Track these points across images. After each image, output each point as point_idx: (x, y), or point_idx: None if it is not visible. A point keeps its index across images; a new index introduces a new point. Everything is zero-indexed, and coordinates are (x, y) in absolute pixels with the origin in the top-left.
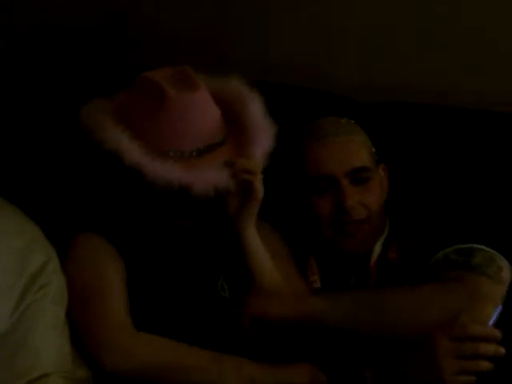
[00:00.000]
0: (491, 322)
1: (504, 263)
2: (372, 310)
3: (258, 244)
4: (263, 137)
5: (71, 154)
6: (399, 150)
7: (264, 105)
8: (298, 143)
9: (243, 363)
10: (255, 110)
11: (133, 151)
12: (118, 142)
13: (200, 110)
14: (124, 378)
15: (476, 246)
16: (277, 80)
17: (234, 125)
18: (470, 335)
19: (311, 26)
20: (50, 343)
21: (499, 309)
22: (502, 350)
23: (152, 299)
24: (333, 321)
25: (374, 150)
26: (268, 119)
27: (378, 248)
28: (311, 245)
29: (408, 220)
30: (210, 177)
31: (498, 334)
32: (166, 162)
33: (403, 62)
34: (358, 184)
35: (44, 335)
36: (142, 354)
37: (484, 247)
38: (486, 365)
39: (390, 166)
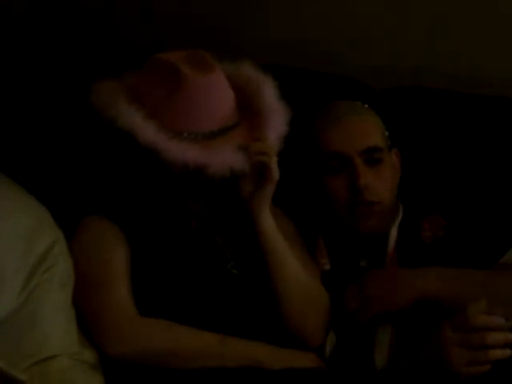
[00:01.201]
0: None
1: None
2: (487, 290)
3: (273, 227)
4: (277, 120)
5: (80, 134)
6: (412, 136)
7: (277, 88)
8: (311, 125)
9: (248, 346)
10: (269, 93)
11: (147, 130)
12: (132, 120)
13: (215, 91)
14: (127, 362)
15: None
16: (288, 64)
17: (247, 109)
18: (472, 326)
19: (323, 11)
20: (56, 325)
21: None
22: None
23: (158, 283)
24: (448, 299)
25: (387, 133)
26: (282, 102)
27: (394, 232)
28: (321, 227)
29: (439, 201)
30: (225, 157)
31: (503, 322)
32: (182, 141)
33: (415, 47)
34: (371, 165)
35: (51, 317)
36: (144, 339)
37: None
38: (497, 353)
39: (402, 151)
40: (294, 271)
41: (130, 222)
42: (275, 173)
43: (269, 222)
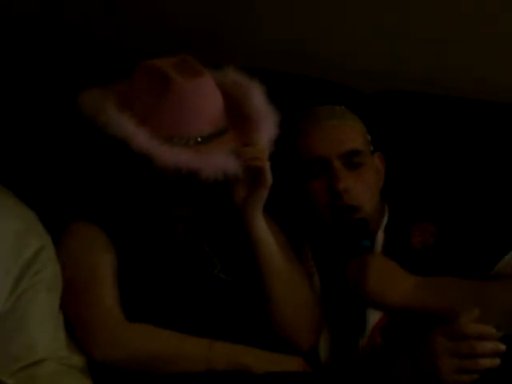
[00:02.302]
0: None
1: None
2: (476, 300)
3: (266, 232)
4: (268, 123)
5: (68, 139)
6: (397, 139)
7: (265, 93)
8: (293, 130)
9: (235, 350)
10: (257, 97)
11: (139, 136)
12: (124, 127)
13: (204, 95)
14: (115, 366)
15: None
16: (273, 68)
17: (236, 114)
18: (464, 334)
19: (309, 12)
20: (44, 329)
21: None
22: (502, 347)
23: (144, 288)
24: (435, 308)
25: (369, 137)
26: (271, 106)
27: (380, 235)
28: (307, 232)
29: (427, 206)
30: (218, 162)
31: (494, 332)
32: (174, 146)
33: (401, 50)
34: (351, 168)
35: (39, 321)
36: (131, 344)
37: None
38: (486, 363)
39: (391, 155)
40: (288, 275)
41: (117, 228)
42: (269, 177)
43: (262, 227)
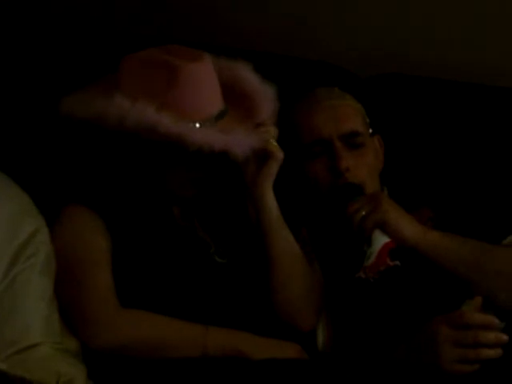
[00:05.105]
0: None
1: None
2: (480, 257)
3: (276, 207)
4: (267, 99)
5: (64, 125)
6: (394, 123)
7: (254, 70)
8: (292, 112)
9: (231, 336)
10: (250, 75)
11: (166, 121)
12: (147, 114)
13: (209, 77)
14: (108, 352)
15: None
16: (270, 50)
17: (230, 93)
18: (467, 323)
19: None
20: (38, 313)
21: None
22: (505, 338)
23: (139, 272)
24: (441, 256)
25: (368, 120)
26: (265, 81)
27: None
28: (304, 217)
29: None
30: (247, 140)
31: (497, 322)
32: (200, 128)
33: (400, 34)
34: (352, 148)
35: (32, 305)
36: (125, 331)
37: None
38: (488, 353)
39: (388, 139)
40: (297, 254)
41: (111, 211)
42: (279, 151)
43: (273, 202)
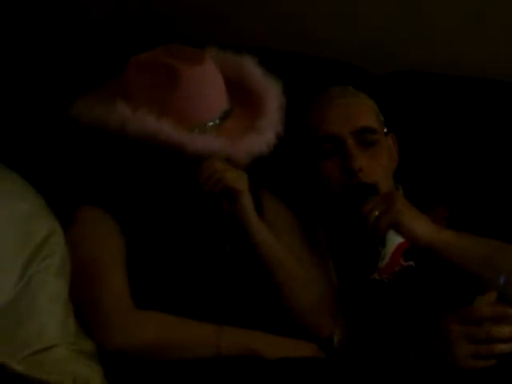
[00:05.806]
0: None
1: None
2: (493, 255)
3: (264, 228)
4: (273, 94)
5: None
6: (410, 120)
7: (259, 66)
8: (304, 110)
9: (245, 335)
10: (255, 69)
11: (166, 128)
12: (146, 122)
13: (212, 78)
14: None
15: None
16: (285, 49)
17: (236, 91)
18: (477, 318)
19: None
20: (53, 315)
21: None
22: None
23: (153, 272)
24: (455, 255)
25: (382, 118)
26: (271, 77)
27: None
28: (319, 216)
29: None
30: (248, 145)
31: (510, 312)
32: (201, 134)
33: (414, 32)
34: (365, 146)
35: (48, 307)
36: (138, 333)
37: None
38: (502, 347)
39: (403, 138)
40: (297, 271)
41: (124, 212)
42: (239, 183)
43: (258, 224)
